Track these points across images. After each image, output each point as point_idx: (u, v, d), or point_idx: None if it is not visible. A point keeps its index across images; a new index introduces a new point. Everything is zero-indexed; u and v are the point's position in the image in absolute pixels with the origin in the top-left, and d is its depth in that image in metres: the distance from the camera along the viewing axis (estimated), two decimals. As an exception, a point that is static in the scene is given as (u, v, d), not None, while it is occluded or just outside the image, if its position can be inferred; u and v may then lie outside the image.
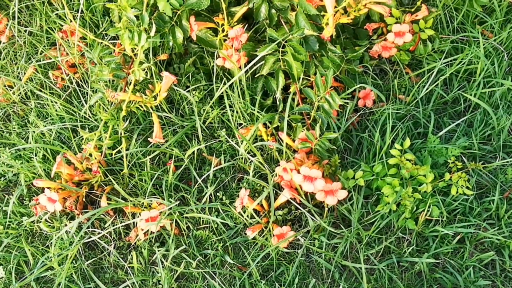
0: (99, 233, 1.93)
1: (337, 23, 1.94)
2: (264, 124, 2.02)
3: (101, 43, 2.03)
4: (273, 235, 1.82)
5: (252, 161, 1.95)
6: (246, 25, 1.98)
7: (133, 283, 1.84)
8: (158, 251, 1.88)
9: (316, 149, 1.85)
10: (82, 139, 2.16)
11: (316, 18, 1.93)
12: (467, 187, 1.75)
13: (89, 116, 2.18)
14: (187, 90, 2.09)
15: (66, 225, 1.94)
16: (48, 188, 1.88)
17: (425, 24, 2.07)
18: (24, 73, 2.37)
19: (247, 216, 1.91)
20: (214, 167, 1.98)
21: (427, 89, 2.05)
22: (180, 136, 2.06)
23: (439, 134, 1.99)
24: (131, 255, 1.91)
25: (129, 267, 1.90)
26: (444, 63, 2.11)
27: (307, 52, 1.91)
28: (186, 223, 1.94)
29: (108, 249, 1.94)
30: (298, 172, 1.76)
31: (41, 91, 2.30)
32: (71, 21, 2.26)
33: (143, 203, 1.93)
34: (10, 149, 2.15)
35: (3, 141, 2.21)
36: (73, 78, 2.27)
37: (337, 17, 1.92)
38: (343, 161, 2.02)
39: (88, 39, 2.19)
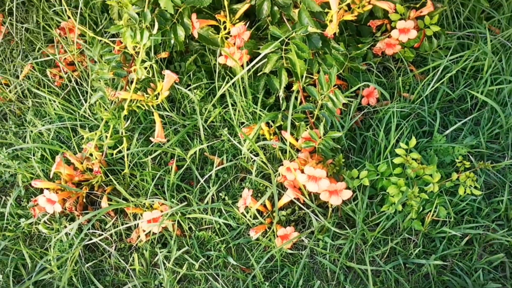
0: (99, 234, 1.90)
1: (340, 20, 1.90)
2: (267, 123, 1.99)
3: (101, 40, 1.99)
4: (277, 236, 1.79)
5: (254, 160, 1.92)
6: (248, 22, 1.94)
7: (135, 285, 1.81)
8: (160, 252, 1.84)
9: (320, 148, 1.82)
10: (82, 138, 2.12)
11: (319, 15, 1.90)
12: (475, 187, 1.72)
13: (89, 115, 2.14)
14: (189, 88, 2.06)
15: (65, 226, 1.91)
16: (47, 188, 1.85)
17: (430, 20, 2.04)
18: (21, 71, 2.33)
19: (250, 216, 1.88)
20: (216, 167, 1.95)
21: (432, 86, 2.02)
22: (181, 136, 2.03)
23: (445, 133, 1.96)
24: (133, 257, 1.88)
25: (130, 269, 1.87)
26: (450, 60, 2.08)
27: (310, 50, 1.88)
28: (188, 224, 1.91)
29: (109, 251, 1.90)
30: (302, 171, 1.74)
31: (38, 89, 2.26)
32: (69, 18, 2.22)
33: (144, 203, 1.90)
34: (7, 149, 2.11)
35: (0, 140, 2.18)
36: (72, 76, 2.23)
37: (341, 14, 1.89)
38: (347, 160, 1.99)
39: (87, 36, 2.15)
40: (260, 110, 1.98)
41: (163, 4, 1.78)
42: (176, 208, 1.82)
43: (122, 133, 1.92)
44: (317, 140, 1.80)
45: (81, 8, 2.09)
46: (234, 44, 1.91)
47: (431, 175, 1.75)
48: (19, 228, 1.97)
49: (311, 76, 1.99)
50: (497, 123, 2.01)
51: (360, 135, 2.02)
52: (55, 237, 1.87)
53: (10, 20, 2.35)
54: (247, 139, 1.87)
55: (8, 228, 1.98)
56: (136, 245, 1.91)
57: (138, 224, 1.88)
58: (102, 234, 1.89)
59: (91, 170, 1.97)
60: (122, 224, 1.92)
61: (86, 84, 2.18)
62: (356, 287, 1.79)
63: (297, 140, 1.89)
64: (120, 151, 1.98)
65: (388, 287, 1.77)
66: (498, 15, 2.16)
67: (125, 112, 1.86)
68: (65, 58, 2.26)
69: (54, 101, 2.18)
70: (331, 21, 1.85)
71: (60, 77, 2.28)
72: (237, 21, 1.93)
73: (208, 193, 1.91)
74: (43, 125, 2.15)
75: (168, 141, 2.01)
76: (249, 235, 1.85)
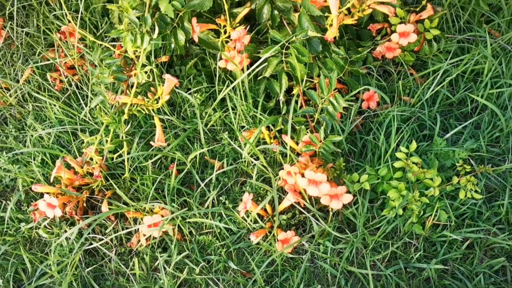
0: (100, 239, 1.89)
1: (340, 24, 1.90)
2: (267, 126, 1.99)
3: (101, 45, 1.99)
4: (277, 240, 1.79)
5: (255, 164, 1.92)
6: (248, 26, 1.95)
7: (135, 290, 1.81)
8: (161, 257, 1.84)
9: (320, 152, 1.81)
10: (82, 142, 2.12)
11: (320, 19, 1.90)
12: (476, 191, 1.71)
13: (89, 119, 2.14)
14: (189, 92, 2.06)
15: (66, 231, 1.91)
16: (47, 193, 1.85)
17: (430, 24, 2.04)
18: (21, 75, 2.33)
19: (251, 220, 1.87)
20: (216, 171, 1.95)
21: (432, 90, 2.02)
22: (182, 140, 2.02)
23: (445, 137, 1.96)
24: (133, 262, 1.87)
25: (130, 273, 1.86)
26: (450, 63, 2.08)
27: (311, 54, 1.88)
28: (189, 228, 1.91)
29: (109, 256, 1.90)
30: (303, 175, 1.73)
31: (39, 93, 2.26)
32: (69, 22, 2.23)
33: (145, 208, 1.89)
34: (7, 153, 2.11)
35: (0, 145, 2.18)
36: (72, 80, 2.23)
37: (341, 18, 1.89)
38: (348, 164, 1.98)
39: (88, 40, 2.15)
40: (260, 114, 1.98)
41: (164, 8, 1.78)
42: (177, 214, 1.82)
43: (122, 137, 1.92)
44: (317, 144, 1.79)
45: (81, 12, 2.10)
46: (235, 48, 1.91)
47: (431, 179, 1.75)
48: (19, 233, 1.97)
49: (312, 80, 1.99)
50: (497, 127, 2.01)
51: (361, 139, 2.02)
52: (55, 242, 1.87)
53: (10, 24, 2.35)
54: (247, 143, 1.87)
55: (8, 232, 1.97)
56: (137, 249, 1.91)
57: (138, 228, 1.88)
58: (102, 239, 1.89)
59: (91, 174, 1.97)
60: (123, 229, 1.92)
61: (87, 88, 2.18)
62: (357, 291, 1.79)
63: (297, 144, 1.89)
64: (120, 155, 1.98)
65: (389, 292, 1.77)
66: (498, 19, 2.17)
67: (125, 116, 1.86)
68: (65, 62, 2.26)
69: (55, 105, 2.18)
70: (331, 25, 1.85)
71: (61, 81, 2.28)
72: (237, 25, 1.93)
73: (208, 197, 1.91)
74: (44, 129, 2.15)
75: (168, 145, 2.01)
76: (249, 239, 1.85)
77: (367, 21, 2.14)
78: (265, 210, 1.89)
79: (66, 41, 2.24)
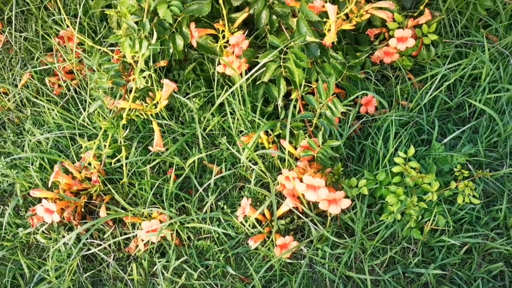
0: (98, 244, 1.89)
1: (338, 29, 1.91)
2: (266, 131, 1.99)
3: (100, 49, 1.99)
4: (276, 245, 1.79)
5: (253, 169, 1.92)
6: (247, 31, 1.95)
7: (133, 295, 1.81)
8: (159, 262, 1.84)
9: (318, 157, 1.82)
10: (80, 147, 2.12)
11: (318, 25, 1.91)
12: (474, 196, 1.72)
13: (87, 124, 2.14)
14: (187, 97, 2.06)
15: (64, 236, 1.90)
16: (45, 198, 1.84)
17: (428, 29, 2.04)
18: (20, 80, 2.33)
19: (249, 225, 1.87)
20: (215, 176, 1.95)
21: (430, 95, 2.02)
22: (180, 144, 2.02)
23: (443, 141, 1.96)
24: (131, 267, 1.87)
25: (128, 279, 1.86)
26: (448, 68, 2.08)
27: (309, 59, 1.88)
28: (187, 233, 1.90)
29: (107, 261, 1.89)
30: (301, 180, 1.73)
31: (37, 98, 2.26)
32: (68, 27, 2.23)
33: (143, 212, 1.89)
34: (5, 158, 2.10)
35: (-1, 149, 2.18)
36: (71, 84, 2.23)
37: (339, 23, 1.90)
38: (346, 169, 1.98)
39: (86, 45, 2.15)
40: (258, 119, 1.98)
41: (162, 14, 1.78)
42: (176, 220, 1.81)
43: (120, 142, 1.92)
44: (315, 149, 1.79)
45: (80, 17, 2.10)
46: (233, 53, 1.91)
47: (429, 184, 1.75)
48: (17, 238, 1.96)
49: (310, 84, 1.99)
50: (495, 131, 2.01)
51: (359, 144, 2.02)
52: (53, 247, 1.87)
53: (9, 29, 2.36)
54: (246, 147, 1.87)
55: (6, 237, 1.97)
56: (135, 254, 1.90)
57: (136, 233, 1.87)
58: (100, 244, 1.88)
59: (89, 179, 1.97)
60: (121, 234, 1.91)
61: (85, 93, 2.18)
62: (355, 296, 1.79)
63: (295, 148, 1.89)
64: (118, 160, 1.98)
65: (387, 297, 1.77)
66: (496, 24, 2.17)
67: (123, 121, 1.86)
68: (64, 67, 2.26)
69: (53, 110, 2.18)
70: (329, 30, 1.85)
71: (59, 85, 2.28)
72: (236, 30, 1.93)
73: (207, 202, 1.91)
74: (42, 134, 2.15)
75: (166, 149, 2.01)
76: (248, 244, 1.84)
77: (365, 26, 2.14)
78: (264, 215, 1.89)
79: (65, 46, 2.25)
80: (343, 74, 1.99)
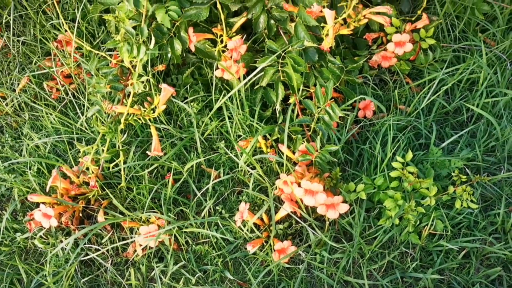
0: (96, 249, 1.89)
1: (336, 34, 1.91)
2: (264, 136, 1.99)
3: (98, 54, 1.99)
4: (274, 250, 1.79)
5: (251, 173, 1.92)
6: (245, 35, 1.95)
7: (131, 300, 1.80)
8: (157, 267, 1.83)
9: (316, 162, 1.81)
10: (78, 152, 2.11)
11: (316, 29, 1.91)
12: (472, 201, 1.72)
13: (86, 128, 2.14)
14: (186, 101, 2.06)
15: (61, 241, 1.90)
16: (43, 203, 1.84)
17: (426, 33, 2.05)
18: (18, 84, 2.33)
19: (247, 230, 1.87)
20: (213, 180, 1.94)
21: (428, 99, 2.03)
22: (178, 149, 2.02)
23: (441, 146, 1.96)
24: (129, 272, 1.86)
25: (126, 284, 1.86)
26: (445, 72, 2.08)
27: (307, 63, 1.88)
28: (185, 238, 1.90)
29: (105, 266, 1.89)
30: (299, 185, 1.73)
31: (35, 102, 2.26)
32: (66, 31, 2.23)
33: (141, 217, 1.89)
34: (3, 162, 2.10)
35: (-4, 154, 2.17)
36: (69, 89, 2.23)
37: (337, 28, 1.90)
38: (344, 173, 1.98)
39: (84, 49, 2.15)
40: (257, 123, 1.98)
41: (160, 19, 1.78)
42: (174, 225, 1.81)
43: (118, 147, 1.91)
44: (314, 154, 1.79)
45: (78, 21, 2.10)
46: (231, 57, 1.91)
47: (427, 189, 1.75)
48: (15, 243, 1.96)
49: (308, 89, 1.99)
50: (493, 136, 2.01)
51: (357, 148, 2.02)
52: (51, 252, 1.86)
53: (7, 33, 2.36)
54: (244, 152, 1.87)
55: (4, 242, 1.96)
56: (133, 259, 1.90)
57: (134, 238, 1.87)
58: (98, 249, 1.88)
59: (87, 184, 1.97)
60: (119, 239, 1.91)
61: (83, 97, 2.18)
62: (353, 301, 1.79)
63: (294, 153, 1.89)
64: (117, 165, 1.98)
65: (385, 302, 1.77)
66: (493, 28, 2.18)
67: (122, 126, 1.86)
68: (62, 71, 2.26)
69: (51, 114, 2.17)
70: (327, 35, 1.85)
71: (57, 90, 2.28)
72: (234, 34, 1.93)
73: (205, 207, 1.91)
74: (40, 138, 2.15)
75: (165, 154, 2.01)
76: (246, 249, 1.84)
77: (363, 30, 2.15)
78: (262, 219, 1.89)
79: (63, 50, 2.24)
80: (341, 78, 2.00)
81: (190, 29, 1.91)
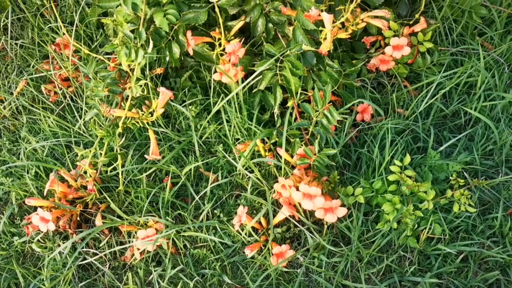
0: (93, 253, 1.88)
1: (334, 38, 1.91)
2: (262, 139, 1.98)
3: (96, 57, 1.99)
4: (272, 254, 1.78)
5: (250, 177, 1.91)
6: (243, 38, 1.95)
7: (129, 304, 1.80)
8: (155, 271, 1.83)
9: (315, 165, 1.81)
10: (76, 155, 2.11)
11: (314, 33, 1.91)
12: (470, 204, 1.72)
13: (83, 132, 2.14)
14: (184, 104, 2.06)
15: (59, 245, 1.89)
16: (41, 206, 1.83)
17: (423, 37, 2.05)
18: (16, 87, 2.33)
19: (245, 234, 1.87)
20: (211, 184, 1.94)
21: (426, 102, 2.03)
22: (176, 152, 2.02)
23: (439, 149, 1.96)
24: (127, 276, 1.86)
25: (124, 288, 1.85)
26: (443, 76, 2.09)
27: (305, 67, 1.88)
28: (183, 242, 1.90)
29: (102, 270, 1.88)
30: (297, 188, 1.73)
31: (33, 105, 2.26)
32: (64, 34, 2.22)
33: (139, 221, 1.89)
34: (0, 166, 2.09)
35: (-6, 157, 2.17)
36: (67, 92, 2.22)
37: (335, 31, 1.90)
38: (342, 177, 1.98)
39: (82, 53, 2.15)
40: (255, 127, 1.98)
41: (158, 22, 1.78)
42: (171, 229, 1.81)
43: (116, 150, 1.91)
44: (312, 157, 1.79)
45: (76, 25, 2.10)
46: (229, 60, 1.91)
47: (425, 192, 1.75)
48: (12, 247, 1.95)
49: (306, 92, 2.00)
50: (491, 139, 2.02)
51: (355, 152, 2.02)
52: (48, 256, 1.86)
53: (5, 36, 2.35)
54: (242, 156, 1.87)
55: (1, 246, 1.96)
56: (131, 263, 1.89)
57: (132, 242, 1.87)
58: (96, 253, 1.88)
59: (85, 187, 1.96)
60: (117, 243, 1.90)
61: (81, 101, 2.17)
62: (352, 305, 1.79)
63: (292, 156, 1.89)
64: (114, 168, 1.97)
65: (384, 305, 1.77)
66: (491, 32, 2.18)
67: (119, 130, 1.86)
68: (59, 74, 2.25)
69: (49, 118, 2.17)
70: (325, 38, 1.86)
71: (55, 93, 2.28)
72: (232, 38, 1.93)
73: (203, 210, 1.90)
74: (38, 142, 2.14)
75: (163, 157, 2.00)
76: (244, 253, 1.84)
77: (361, 33, 2.15)
78: (260, 223, 1.88)
79: (61, 53, 2.24)
80: (339, 82, 2.00)
81: (188, 33, 1.91)
